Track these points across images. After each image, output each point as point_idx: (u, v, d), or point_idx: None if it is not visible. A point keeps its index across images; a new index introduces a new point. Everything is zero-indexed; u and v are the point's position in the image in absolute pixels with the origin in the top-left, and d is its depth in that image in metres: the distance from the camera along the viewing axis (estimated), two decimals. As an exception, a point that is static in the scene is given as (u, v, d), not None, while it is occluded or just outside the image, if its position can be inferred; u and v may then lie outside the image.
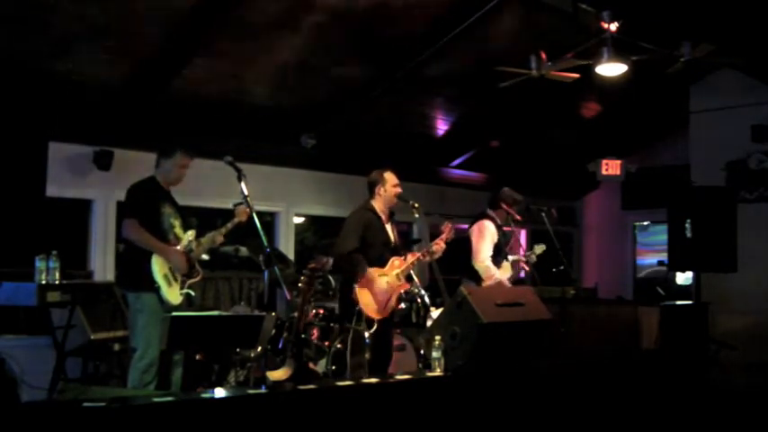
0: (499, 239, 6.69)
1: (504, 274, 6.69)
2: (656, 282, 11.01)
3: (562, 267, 6.89)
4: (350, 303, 5.72)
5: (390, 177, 5.94)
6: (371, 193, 5.96)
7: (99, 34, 6.31)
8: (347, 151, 8.84)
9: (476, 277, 6.56)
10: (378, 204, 5.93)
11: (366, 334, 5.63)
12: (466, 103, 9.25)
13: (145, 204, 5.19)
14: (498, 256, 6.67)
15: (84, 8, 6.01)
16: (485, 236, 6.58)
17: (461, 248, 6.69)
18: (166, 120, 7.28)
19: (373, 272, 5.69)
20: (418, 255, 5.94)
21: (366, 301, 5.67)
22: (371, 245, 5.79)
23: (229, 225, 5.48)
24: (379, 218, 5.90)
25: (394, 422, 4.27)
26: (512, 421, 4.74)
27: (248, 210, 5.13)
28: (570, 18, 6.96)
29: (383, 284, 5.71)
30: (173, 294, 5.09)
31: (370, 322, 5.67)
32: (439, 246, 5.89)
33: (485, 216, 6.76)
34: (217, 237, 5.50)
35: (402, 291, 5.95)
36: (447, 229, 5.93)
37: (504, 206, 6.77)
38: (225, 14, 6.45)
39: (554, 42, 7.10)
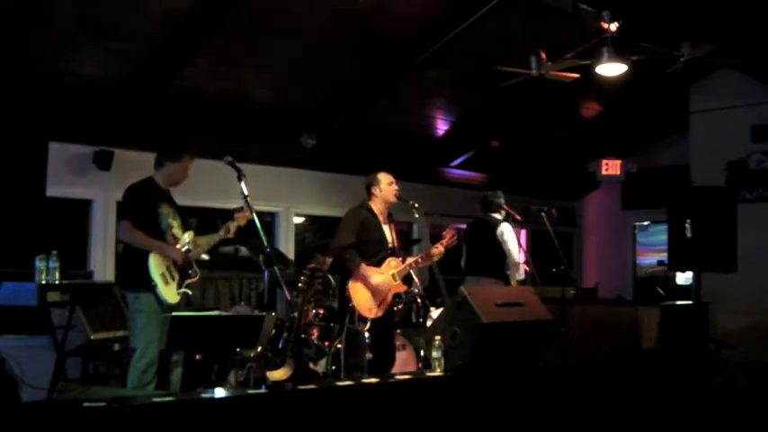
0: None
1: None
2: (656, 282, 10.99)
3: (562, 267, 6.91)
4: (345, 300, 5.71)
5: (384, 176, 5.95)
6: (368, 195, 5.99)
7: (99, 34, 6.31)
8: (347, 151, 8.83)
9: (504, 277, 6.90)
10: (375, 205, 5.94)
11: (366, 334, 5.62)
12: (466, 103, 9.25)
13: (140, 206, 5.17)
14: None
15: (85, 8, 6.02)
16: (515, 237, 6.96)
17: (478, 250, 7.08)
18: (166, 120, 7.28)
19: (367, 268, 5.69)
20: (416, 258, 5.95)
21: (360, 298, 5.65)
22: (366, 242, 5.79)
23: (231, 229, 5.47)
24: (376, 216, 5.91)
25: (394, 422, 4.27)
26: (512, 421, 4.74)
27: (248, 214, 5.13)
28: (570, 18, 6.97)
29: (378, 282, 5.69)
30: (170, 293, 5.08)
31: (364, 321, 5.66)
32: (438, 250, 5.85)
33: (492, 219, 7.08)
34: (215, 237, 5.51)
35: (397, 291, 5.93)
36: (449, 235, 5.84)
37: (506, 207, 7.00)
38: (225, 14, 6.45)
39: (554, 42, 7.10)
